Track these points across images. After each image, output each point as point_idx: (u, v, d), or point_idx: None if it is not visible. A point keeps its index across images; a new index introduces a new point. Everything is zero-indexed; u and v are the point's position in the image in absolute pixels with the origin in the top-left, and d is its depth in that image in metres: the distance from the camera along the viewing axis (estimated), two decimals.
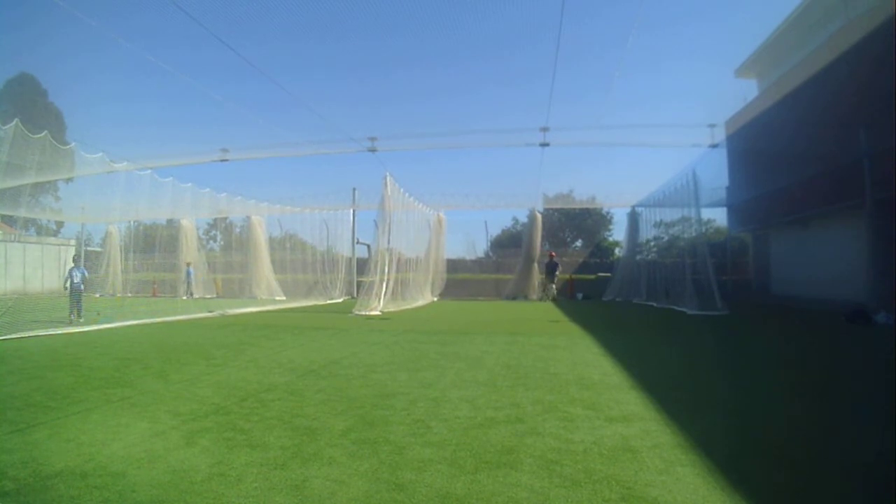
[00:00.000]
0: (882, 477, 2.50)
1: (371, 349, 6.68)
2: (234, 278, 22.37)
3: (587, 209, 28.80)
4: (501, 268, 23.10)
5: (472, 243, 26.66)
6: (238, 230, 24.87)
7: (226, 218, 25.42)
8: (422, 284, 17.81)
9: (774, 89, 15.58)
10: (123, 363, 5.55)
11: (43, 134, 12.73)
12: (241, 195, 21.48)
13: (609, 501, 2.17)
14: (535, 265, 20.56)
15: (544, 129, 17.88)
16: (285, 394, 4.13)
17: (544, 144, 18.11)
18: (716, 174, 18.52)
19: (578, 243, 31.06)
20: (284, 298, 19.42)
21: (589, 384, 4.46)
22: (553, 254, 20.38)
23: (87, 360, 5.72)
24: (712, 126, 18.51)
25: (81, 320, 10.00)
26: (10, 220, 25.35)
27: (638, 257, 19.12)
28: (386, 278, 13.97)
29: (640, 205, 19.34)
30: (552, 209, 27.26)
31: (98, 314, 11.02)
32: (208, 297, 19.86)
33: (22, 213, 20.99)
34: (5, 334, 7.52)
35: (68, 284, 10.59)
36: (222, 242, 28.68)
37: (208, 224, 30.37)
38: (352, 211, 21.78)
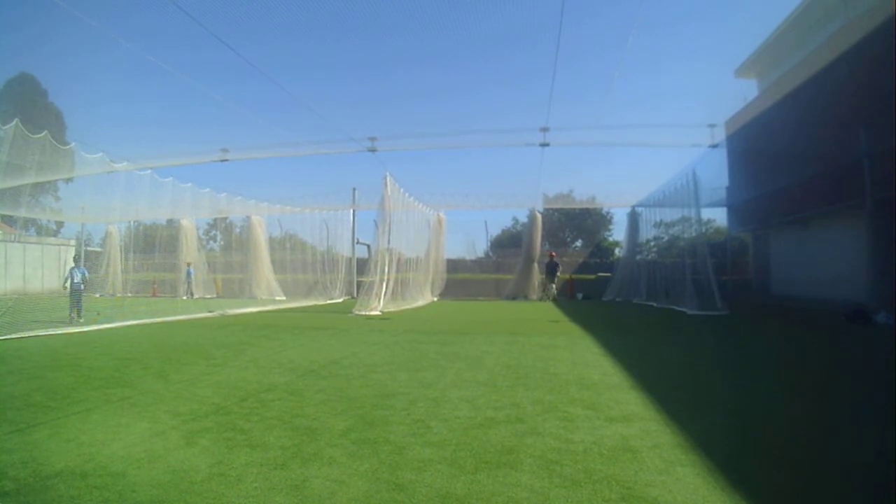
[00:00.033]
0: (882, 477, 2.50)
1: (371, 349, 6.68)
2: (234, 278, 22.37)
3: (587, 209, 28.80)
4: (501, 268, 23.10)
5: (472, 243, 26.70)
6: (238, 230, 24.90)
7: (226, 218, 25.43)
8: (422, 284, 17.81)
9: (774, 89, 15.58)
10: (123, 363, 5.55)
11: (43, 134, 12.73)
12: (241, 195, 21.51)
13: (609, 501, 2.17)
14: (535, 265, 20.57)
15: (544, 129, 17.88)
16: (285, 394, 4.13)
17: (544, 144, 18.11)
18: (716, 174, 18.54)
19: (578, 243, 31.07)
20: (284, 298, 19.42)
21: (589, 384, 4.46)
22: (553, 254, 20.38)
23: (87, 360, 5.72)
24: (712, 126, 18.52)
25: (81, 320, 10.00)
26: (10, 220, 25.36)
27: (638, 257, 19.12)
28: (386, 278, 13.97)
29: (640, 205, 19.35)
30: (552, 209, 27.26)
31: (98, 314, 11.02)
32: (208, 297, 19.87)
33: (22, 213, 20.99)
34: (5, 334, 7.52)
35: (68, 284, 10.59)
36: (222, 242, 28.69)
37: (208, 224, 30.40)
38: (352, 211, 21.80)
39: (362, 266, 18.67)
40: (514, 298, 19.97)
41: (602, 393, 4.13)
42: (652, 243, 18.88)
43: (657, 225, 18.29)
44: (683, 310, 12.50)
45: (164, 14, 19.79)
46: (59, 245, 25.95)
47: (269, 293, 20.61)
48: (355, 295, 18.32)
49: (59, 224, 31.24)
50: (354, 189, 21.33)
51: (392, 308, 13.72)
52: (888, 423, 3.36)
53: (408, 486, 2.33)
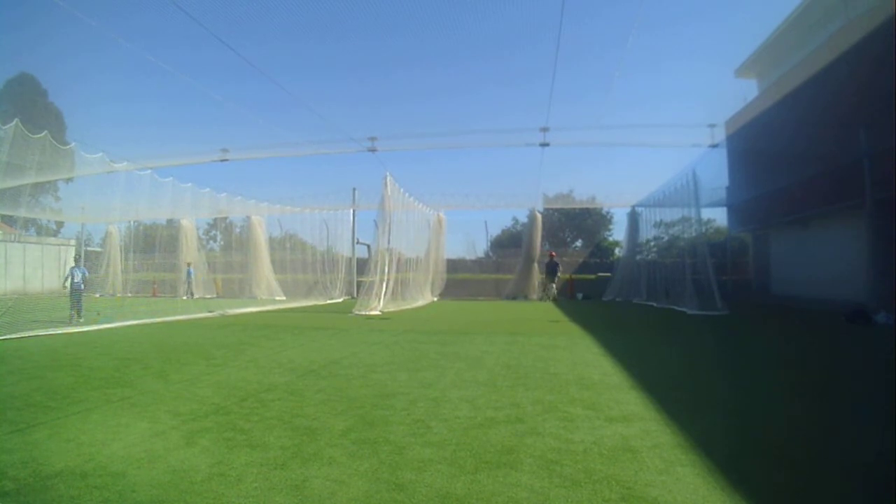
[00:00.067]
0: (882, 477, 2.50)
1: (371, 349, 6.68)
2: (234, 278, 22.37)
3: (587, 209, 28.81)
4: (501, 268, 23.10)
5: (472, 243, 26.69)
6: (238, 230, 24.90)
7: (226, 218, 25.44)
8: (422, 284, 17.81)
9: (774, 89, 15.58)
10: (123, 363, 5.55)
11: (43, 134, 12.73)
12: (241, 195, 21.52)
13: (609, 501, 2.17)
14: (535, 265, 20.57)
15: (544, 129, 17.89)
16: (285, 394, 4.13)
17: (544, 144, 18.12)
18: (716, 174, 18.54)
19: (578, 243, 31.07)
20: (284, 298, 19.43)
21: (589, 384, 4.46)
22: (553, 253, 20.38)
23: (87, 360, 5.72)
24: (712, 126, 18.52)
25: (81, 320, 10.01)
26: (10, 220, 25.35)
27: (638, 257, 19.12)
28: (386, 278, 13.97)
29: (640, 205, 19.35)
30: (552, 209, 27.26)
31: (98, 314, 11.03)
32: (208, 297, 19.88)
33: (22, 213, 20.99)
34: (5, 334, 7.52)
35: (68, 283, 10.59)
36: (222, 242, 28.69)
37: (208, 224, 30.41)
38: (352, 211, 21.80)
39: (362, 266, 18.67)
40: (514, 298, 19.97)
41: (602, 393, 4.13)
42: (652, 243, 18.88)
43: (657, 225, 18.29)
44: (683, 310, 12.50)
45: (164, 14, 19.79)
46: (59, 245, 25.95)
47: (269, 293, 20.61)
48: (355, 295, 18.32)
49: (59, 224, 31.26)
50: (354, 189, 21.36)
51: (392, 308, 13.72)
52: (888, 423, 3.36)
53: (408, 486, 2.33)
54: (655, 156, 43.95)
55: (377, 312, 12.70)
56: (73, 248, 25.46)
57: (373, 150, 19.08)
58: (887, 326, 8.80)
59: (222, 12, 12.05)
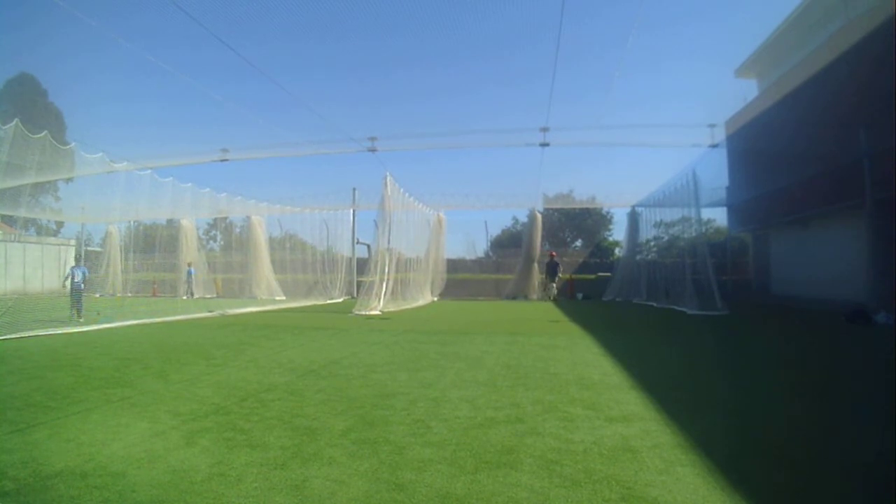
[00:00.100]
0: (882, 477, 2.50)
1: (371, 349, 6.68)
2: (234, 278, 22.37)
3: (587, 209, 28.81)
4: (501, 268, 23.10)
5: (472, 243, 26.69)
6: (238, 230, 24.91)
7: (226, 218, 25.44)
8: (422, 284, 17.81)
9: (774, 89, 15.58)
10: (123, 363, 5.55)
11: (43, 134, 12.73)
12: (241, 195, 21.52)
13: (609, 501, 2.17)
14: (535, 265, 20.57)
15: (544, 129, 17.89)
16: (285, 394, 4.13)
17: (544, 144, 18.12)
18: (716, 174, 18.54)
19: (578, 243, 31.07)
20: (284, 298, 19.43)
21: (589, 384, 4.46)
22: (554, 253, 20.38)
23: (87, 360, 5.72)
24: (712, 126, 18.52)
25: (81, 320, 10.01)
26: (10, 220, 25.36)
27: (638, 257, 19.12)
28: (386, 278, 13.97)
29: (640, 205, 19.35)
30: (552, 209, 27.27)
31: (98, 314, 11.03)
32: (208, 297, 19.88)
33: (22, 213, 21.00)
34: (5, 334, 7.52)
35: (68, 283, 10.60)
36: (222, 242, 28.70)
37: (208, 224, 30.42)
38: (352, 211, 21.80)
39: (362, 266, 18.66)
40: (514, 298, 19.97)
41: (602, 393, 4.13)
42: (652, 243, 18.88)
43: (657, 225, 18.29)
44: (683, 310, 12.50)
45: (164, 14, 19.80)
46: (59, 245, 25.95)
47: (269, 293, 20.61)
48: (355, 295, 18.32)
49: (59, 224, 31.26)
50: (354, 189, 21.36)
51: (392, 308, 13.72)
52: (888, 423, 3.36)
53: (408, 486, 2.33)
54: (655, 156, 44.01)
55: (377, 312, 12.70)
56: (73, 248, 25.47)
57: (373, 150, 19.09)
58: (887, 326, 8.80)
59: (222, 12, 12.06)
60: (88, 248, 25.26)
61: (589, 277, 21.70)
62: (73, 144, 15.39)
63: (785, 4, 14.86)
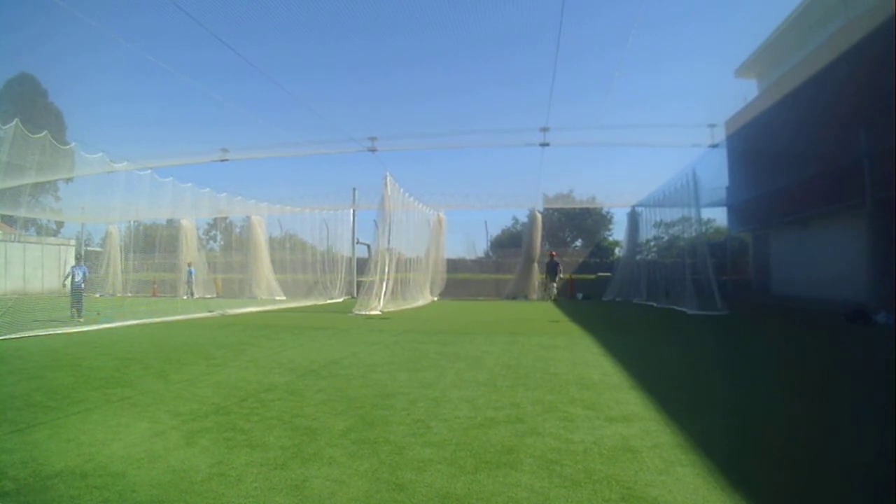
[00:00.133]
0: (882, 477, 2.50)
1: (371, 349, 6.68)
2: (234, 278, 22.38)
3: (587, 209, 28.81)
4: (501, 268, 23.11)
5: (472, 243, 26.69)
6: (238, 230, 24.92)
7: (226, 218, 25.45)
8: (422, 284, 17.81)
9: (774, 89, 15.57)
10: (123, 363, 5.55)
11: (43, 134, 12.74)
12: (241, 195, 21.53)
13: (609, 501, 2.17)
14: (535, 265, 20.57)
15: (544, 129, 17.89)
16: (285, 394, 4.13)
17: (544, 144, 18.12)
18: (716, 174, 18.54)
19: (578, 243, 31.07)
20: (284, 298, 19.43)
21: (589, 384, 4.46)
22: (554, 253, 20.37)
23: (87, 360, 5.72)
24: (712, 126, 18.52)
25: (81, 319, 10.01)
26: (10, 220, 25.36)
27: (638, 257, 19.12)
28: (386, 278, 13.97)
29: (640, 205, 19.35)
30: (552, 209, 27.27)
31: (98, 314, 11.03)
32: (208, 296, 19.89)
33: (22, 213, 21.00)
34: (5, 334, 7.52)
35: (68, 282, 10.61)
36: (222, 242, 28.70)
37: (208, 224, 30.43)
38: (352, 211, 21.80)
39: (362, 266, 18.67)
40: (514, 298, 19.97)
41: (602, 393, 4.13)
42: (652, 243, 18.88)
43: (657, 225, 18.29)
44: (683, 310, 12.50)
45: (164, 14, 19.81)
46: (59, 245, 25.96)
47: (269, 293, 20.62)
48: (355, 295, 18.32)
49: (59, 224, 31.26)
50: (354, 189, 21.37)
51: (392, 308, 13.72)
52: (888, 423, 3.36)
53: (408, 486, 2.33)
54: (655, 156, 44.03)
55: (377, 312, 12.70)
56: (74, 248, 25.48)
57: (373, 150, 19.09)
58: (887, 326, 8.80)
59: (222, 12, 12.07)
60: (88, 248, 25.28)
61: (589, 277, 21.70)
62: (73, 144, 15.42)
63: (785, 4, 14.88)
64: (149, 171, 17.42)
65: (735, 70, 18.87)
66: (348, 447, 2.84)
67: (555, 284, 19.40)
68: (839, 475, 2.52)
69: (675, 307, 13.39)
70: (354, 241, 22.05)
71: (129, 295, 21.15)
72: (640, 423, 3.27)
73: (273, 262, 21.59)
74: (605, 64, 42.77)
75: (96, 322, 9.67)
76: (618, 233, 26.22)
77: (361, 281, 16.23)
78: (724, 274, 18.18)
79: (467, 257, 25.50)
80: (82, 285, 10.60)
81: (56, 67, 50.13)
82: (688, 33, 41.05)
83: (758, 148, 16.03)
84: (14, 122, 11.56)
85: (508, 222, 30.81)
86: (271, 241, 22.19)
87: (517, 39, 39.34)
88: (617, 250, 24.36)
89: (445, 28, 26.29)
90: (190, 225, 21.73)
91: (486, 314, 12.81)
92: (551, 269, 19.41)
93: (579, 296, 20.28)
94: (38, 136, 12.51)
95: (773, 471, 2.54)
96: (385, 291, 13.83)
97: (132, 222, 22.22)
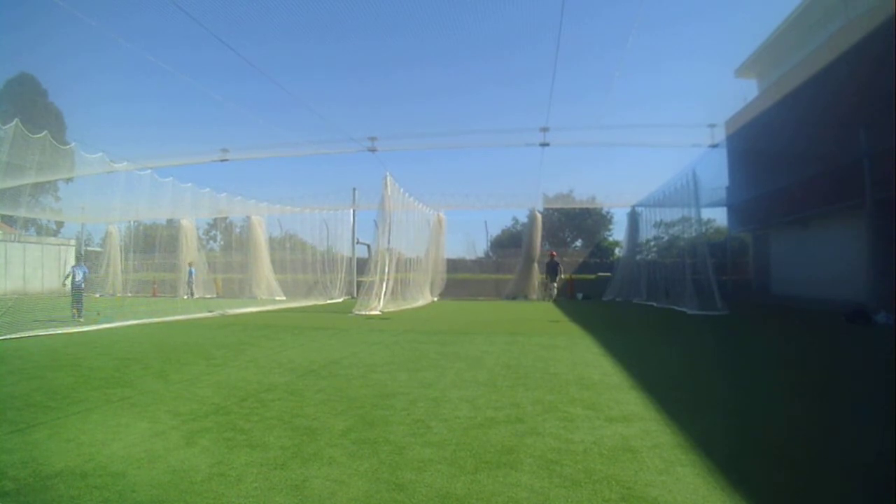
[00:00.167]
0: (882, 477, 2.50)
1: (371, 349, 6.68)
2: (234, 278, 22.38)
3: (587, 209, 28.80)
4: (501, 268, 23.10)
5: (472, 243, 26.69)
6: (238, 230, 24.92)
7: (226, 218, 25.45)
8: (422, 284, 17.81)
9: (774, 89, 15.58)
10: (123, 363, 5.55)
11: (43, 134, 12.74)
12: (241, 195, 21.54)
13: (609, 501, 2.17)
14: (535, 265, 20.57)
15: (544, 129, 17.88)
16: (285, 394, 4.13)
17: (544, 144, 18.11)
18: (716, 174, 18.54)
19: (578, 243, 31.07)
20: (284, 298, 19.43)
21: (589, 384, 4.46)
22: (554, 253, 20.36)
23: (87, 360, 5.72)
24: (712, 126, 18.51)
25: (82, 319, 10.01)
26: (10, 220, 25.36)
27: (638, 257, 19.12)
28: (386, 278, 13.97)
29: (640, 205, 19.35)
30: (552, 209, 27.26)
31: (98, 314, 11.03)
32: (208, 296, 19.89)
33: (22, 213, 21.01)
34: (5, 334, 7.52)
35: (68, 282, 10.61)
36: (222, 242, 28.70)
37: (208, 224, 30.43)
38: (352, 211, 21.80)
39: (362, 266, 18.67)
40: (514, 298, 19.97)
41: (602, 393, 4.13)
42: (652, 243, 18.88)
43: (657, 225, 18.29)
44: (683, 310, 12.50)
45: (164, 14, 19.77)
46: (59, 245, 25.96)
47: (269, 293, 20.62)
48: (355, 295, 18.32)
49: (59, 224, 31.27)
50: (354, 189, 21.36)
51: (392, 308, 13.72)
52: (888, 423, 3.36)
53: (408, 486, 2.33)
54: (655, 156, 44.03)
55: (377, 312, 12.70)
56: (74, 248, 25.48)
57: (373, 150, 19.09)
58: (887, 326, 8.80)
59: (222, 12, 12.05)
60: (88, 248, 25.29)
61: (589, 277, 21.70)
62: (73, 144, 15.43)
63: (785, 4, 14.88)
64: (149, 171, 17.44)
65: (735, 70, 18.88)
66: (348, 447, 2.84)
67: (555, 284, 19.40)
68: (839, 475, 2.52)
69: (675, 307, 13.39)
70: (354, 241, 22.05)
71: (129, 295, 21.15)
72: (640, 423, 3.27)
73: (273, 262, 21.59)
74: (605, 64, 42.81)
75: (96, 322, 9.66)
76: (618, 233, 26.26)
77: (361, 281, 16.23)
78: (724, 274, 18.18)
79: (467, 257, 25.52)
80: (83, 285, 10.60)
81: (56, 67, 50.20)
82: (688, 33, 41.08)
83: (758, 148, 16.03)
84: (14, 122, 11.56)
85: (508, 222, 30.86)
86: (271, 241, 22.20)
87: (517, 39, 39.39)
88: (617, 250, 24.36)
89: (445, 28, 26.29)
90: (190, 225, 21.73)
91: (486, 314, 12.81)
92: (551, 270, 19.41)
93: (579, 296, 20.27)
94: (38, 136, 12.51)
95: (773, 471, 2.54)
96: (385, 291, 13.83)
97: (132, 222, 22.25)
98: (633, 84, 41.09)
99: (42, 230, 31.11)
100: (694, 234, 14.45)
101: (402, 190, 15.48)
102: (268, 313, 13.04)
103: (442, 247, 21.29)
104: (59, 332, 8.28)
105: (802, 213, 13.77)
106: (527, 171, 51.61)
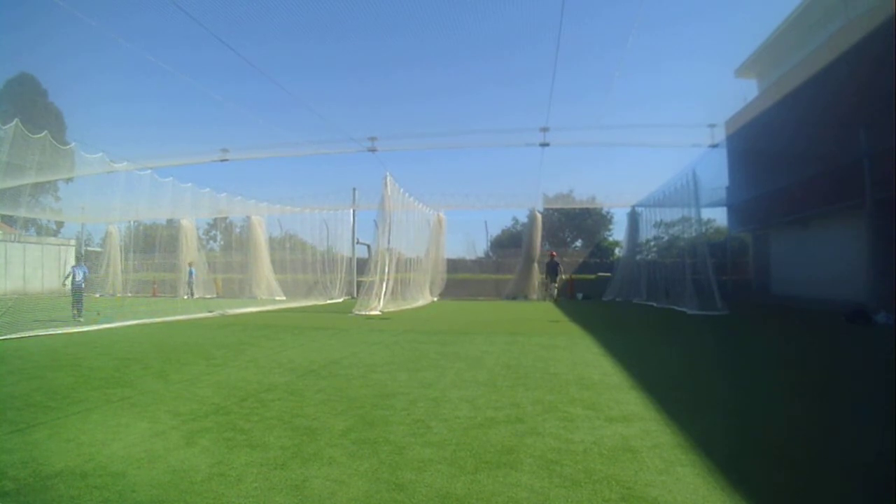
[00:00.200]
0: (882, 477, 2.50)
1: (371, 349, 6.68)
2: (234, 278, 22.38)
3: (587, 209, 28.80)
4: (501, 268, 23.10)
5: (472, 243, 26.69)
6: (238, 230, 24.92)
7: (226, 218, 25.46)
8: (422, 284, 17.81)
9: (774, 89, 15.58)
10: (123, 363, 5.55)
11: (43, 134, 12.75)
12: (241, 195, 21.54)
13: (609, 501, 2.17)
14: (535, 265, 20.57)
15: (544, 129, 17.89)
16: (285, 394, 4.13)
17: (544, 144, 18.12)
18: (716, 174, 18.54)
19: (578, 243, 31.05)
20: (284, 298, 19.43)
21: (589, 384, 4.46)
22: (554, 253, 20.36)
23: (87, 360, 5.72)
24: (712, 126, 18.53)
25: (81, 319, 10.01)
26: (10, 220, 25.36)
27: (638, 257, 19.12)
28: (386, 278, 13.97)
29: (640, 205, 19.35)
30: (552, 209, 27.25)
31: (98, 314, 11.03)
32: (208, 296, 19.89)
33: (22, 213, 21.01)
34: (5, 334, 7.52)
35: (68, 282, 10.61)
36: (222, 242, 28.71)
37: (208, 224, 30.43)
38: (352, 211, 21.80)
39: (362, 266, 18.67)
40: (514, 298, 19.97)
41: (602, 393, 4.13)
42: (652, 243, 18.88)
43: (657, 225, 18.29)
44: (683, 310, 12.50)
45: (164, 14, 19.81)
46: (59, 245, 25.96)
47: (269, 293, 20.62)
48: (355, 295, 18.32)
49: (59, 224, 31.26)
50: (354, 189, 21.37)
51: (392, 308, 13.72)
52: (888, 423, 3.36)
53: (408, 486, 2.33)
54: (655, 156, 44.03)
55: (377, 312, 12.70)
56: (74, 248, 25.48)
57: (373, 150, 19.09)
58: (887, 326, 8.80)
59: (222, 12, 12.07)
60: (88, 248, 25.30)
61: (589, 277, 21.70)
62: (73, 144, 15.43)
63: (785, 4, 14.89)
64: (149, 171, 17.44)
65: (735, 70, 18.88)
66: (348, 447, 2.84)
67: (555, 284, 19.40)
68: (839, 475, 2.52)
69: (675, 307, 13.39)
70: (354, 241, 22.05)
71: (129, 295, 21.15)
72: (640, 423, 3.27)
73: (273, 262, 21.59)
74: (605, 64, 42.81)
75: (96, 322, 9.66)
76: (618, 233, 26.26)
77: (361, 281, 16.23)
78: (724, 274, 18.19)
79: (467, 257, 25.52)
80: (83, 285, 10.60)
81: (56, 67, 50.18)
82: (688, 33, 41.08)
83: (758, 148, 16.03)
84: (14, 122, 11.57)
85: (508, 222, 30.85)
86: (271, 241, 22.20)
87: (517, 39, 39.39)
88: (617, 250, 24.35)
89: (445, 28, 26.31)
90: (190, 225, 21.73)
91: (486, 314, 12.81)
92: (551, 270, 19.41)
93: (579, 296, 20.28)
94: (38, 136, 12.52)
95: (773, 471, 2.54)
96: (385, 291, 13.83)
97: (132, 222, 22.25)
98: (633, 84, 41.14)
99: (42, 230, 31.12)
100: (694, 234, 14.46)
101: (402, 190, 15.49)
102: (268, 313, 13.04)
103: (442, 247, 21.29)
104: (59, 332, 8.28)
105: (802, 213, 13.77)
106: (527, 171, 51.66)
